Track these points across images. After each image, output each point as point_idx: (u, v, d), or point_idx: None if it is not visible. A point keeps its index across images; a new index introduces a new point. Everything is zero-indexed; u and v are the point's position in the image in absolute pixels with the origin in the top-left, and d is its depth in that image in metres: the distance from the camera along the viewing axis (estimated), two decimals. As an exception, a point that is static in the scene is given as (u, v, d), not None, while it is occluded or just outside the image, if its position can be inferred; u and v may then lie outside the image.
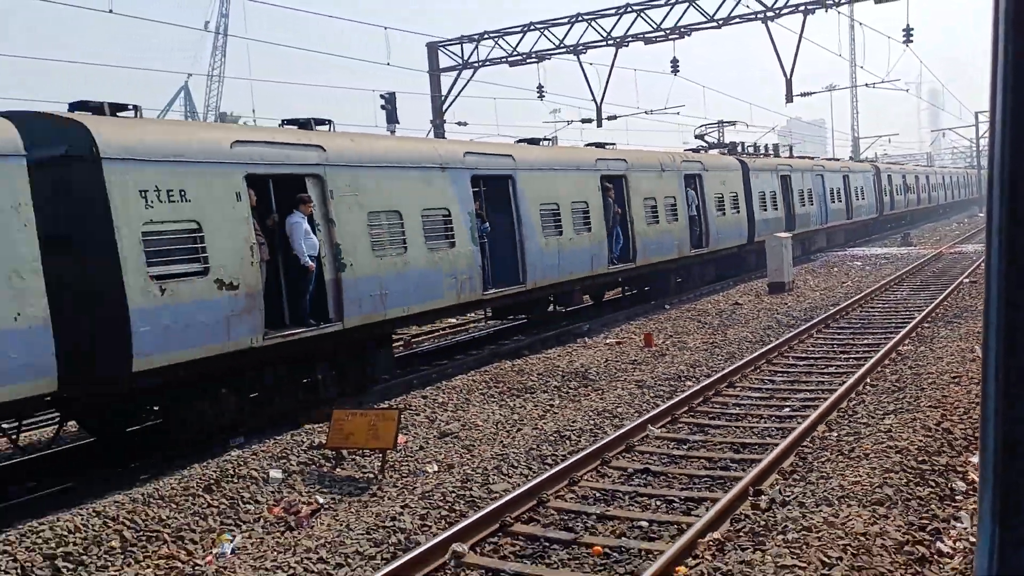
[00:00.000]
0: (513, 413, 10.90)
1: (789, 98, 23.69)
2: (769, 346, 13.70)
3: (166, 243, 9.11)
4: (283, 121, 12.01)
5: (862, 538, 5.78)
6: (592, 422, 10.00)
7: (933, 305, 17.14)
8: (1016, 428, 0.93)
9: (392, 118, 25.19)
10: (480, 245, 13.92)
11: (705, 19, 23.62)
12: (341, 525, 7.35)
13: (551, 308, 18.01)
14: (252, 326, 9.92)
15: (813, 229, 31.46)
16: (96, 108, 9.38)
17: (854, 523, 6.03)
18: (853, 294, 20.06)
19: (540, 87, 27.20)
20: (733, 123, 27.15)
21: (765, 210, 26.02)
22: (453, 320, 19.26)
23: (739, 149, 26.87)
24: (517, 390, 12.03)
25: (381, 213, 11.94)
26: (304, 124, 11.80)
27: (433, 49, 27.74)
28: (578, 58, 25.54)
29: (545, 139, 18.39)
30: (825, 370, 12.34)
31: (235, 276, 9.71)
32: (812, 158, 37.61)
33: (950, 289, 19.69)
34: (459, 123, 28.97)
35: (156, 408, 10.38)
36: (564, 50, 25.65)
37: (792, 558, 5.57)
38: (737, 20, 23.30)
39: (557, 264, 15.90)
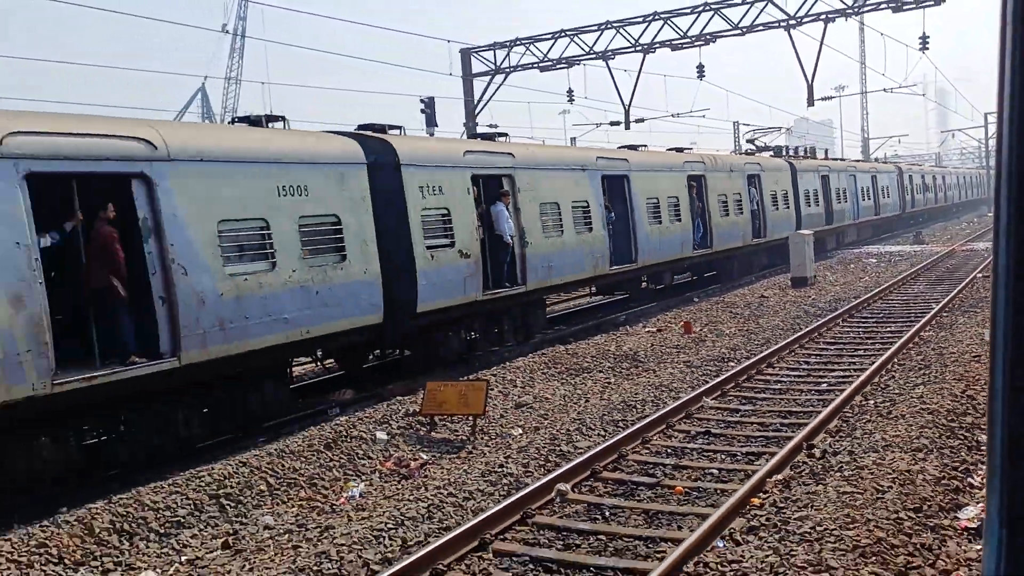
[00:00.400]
0: (576, 389, 12.13)
1: (811, 102, 24.89)
2: (800, 333, 14.89)
3: (432, 223, 12.99)
4: (478, 135, 17.15)
5: (907, 474, 7.00)
6: (651, 395, 11.22)
7: (950, 296, 18.31)
8: (1022, 432, 0.92)
9: (431, 121, 26.52)
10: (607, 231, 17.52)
11: (730, 27, 24.83)
12: (453, 475, 8.59)
13: (643, 286, 21.26)
14: (476, 285, 13.73)
15: (847, 224, 34.65)
16: (379, 128, 13.31)
17: (898, 463, 7.25)
18: (872, 288, 21.23)
19: (570, 91, 28.46)
20: (779, 128, 30.35)
21: (809, 206, 29.70)
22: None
23: (785, 152, 30.01)
24: (575, 370, 13.26)
25: (547, 204, 15.76)
26: (489, 137, 16.10)
27: (467, 55, 29.01)
28: (607, 63, 26.78)
29: (644, 146, 21.84)
30: (855, 353, 13.53)
31: (468, 248, 13.44)
32: (843, 160, 40.89)
33: (965, 283, 20.83)
34: (490, 126, 30.25)
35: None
36: (593, 56, 26.90)
37: (850, 488, 6.79)
38: (760, 28, 24.51)
39: (658, 248, 19.38)
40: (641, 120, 28.33)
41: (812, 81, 24.31)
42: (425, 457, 9.43)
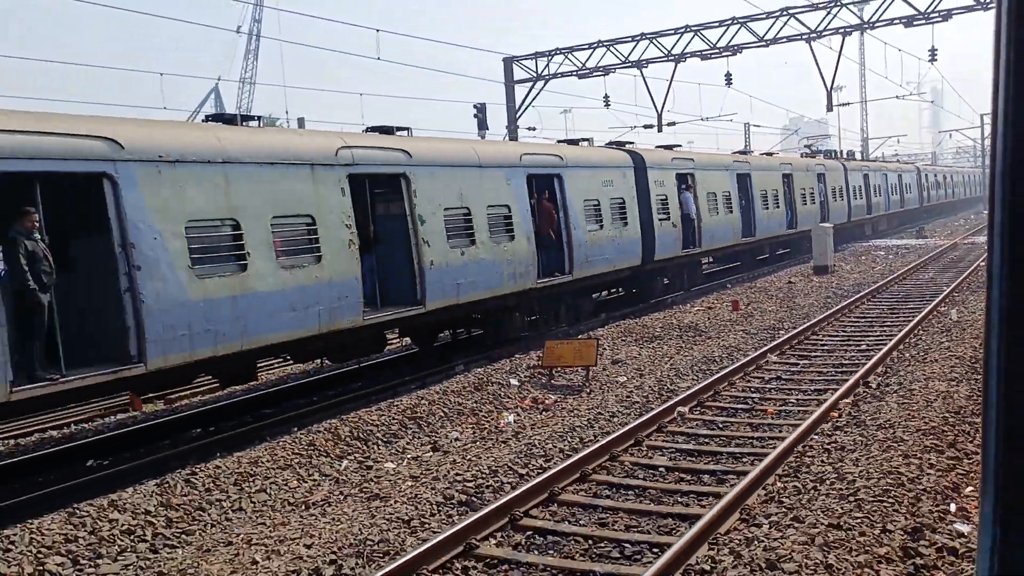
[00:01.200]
0: (656, 351, 14.57)
1: (829, 107, 27.38)
2: (833, 309, 17.34)
3: (660, 204, 19.58)
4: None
5: (946, 392, 9.46)
6: (723, 354, 13.67)
7: (959, 280, 20.80)
8: (1017, 432, 0.93)
9: (483, 125, 28.96)
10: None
11: (755, 39, 27.29)
12: (582, 408, 11.00)
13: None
14: (678, 245, 19.34)
15: (881, 214, 42.54)
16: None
17: (938, 387, 9.72)
18: (888, 275, 23.70)
19: (606, 96, 30.91)
20: (827, 136, 35.96)
21: (855, 199, 36.65)
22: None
23: (834, 155, 38.24)
24: (648, 338, 15.68)
25: (711, 193, 21.12)
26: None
27: (509, 63, 31.43)
28: (641, 72, 29.23)
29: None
30: (883, 324, 15.99)
31: (676, 221, 18.66)
32: (875, 160, 47.95)
33: (971, 269, 23.33)
34: (529, 128, 32.66)
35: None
36: (628, 64, 29.33)
37: (905, 402, 9.25)
38: (784, 40, 26.98)
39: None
40: (673, 124, 30.87)
41: (831, 88, 26.79)
42: (553, 397, 11.85)
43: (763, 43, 27.30)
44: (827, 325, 16.06)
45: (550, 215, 16.38)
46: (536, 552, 6.40)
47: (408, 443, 9.87)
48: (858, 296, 19.15)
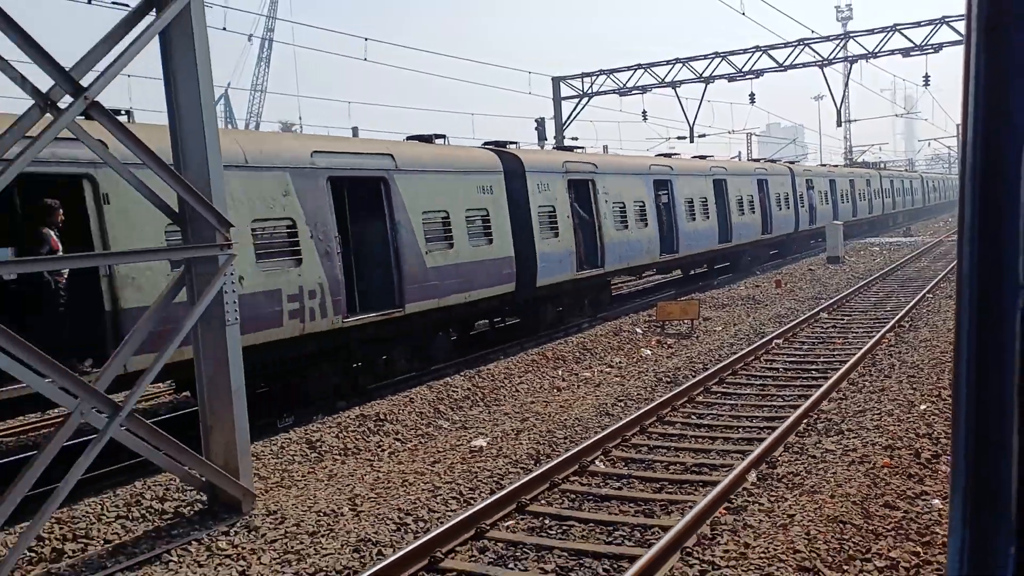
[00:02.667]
0: (729, 315, 19.06)
1: (839, 123, 32.11)
2: (856, 286, 21.96)
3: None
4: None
5: (941, 354, 14.02)
6: (784, 313, 18.22)
7: (950, 268, 25.52)
8: (987, 432, 0.94)
9: (542, 136, 33.50)
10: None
11: (775, 65, 31.98)
12: (694, 347, 15.45)
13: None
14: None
15: (899, 211, 55.97)
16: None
17: (940, 346, 14.30)
18: (889, 264, 28.39)
19: (644, 112, 35.49)
20: (864, 148, 43.13)
21: (885, 198, 49.59)
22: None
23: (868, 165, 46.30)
24: (717, 305, 20.19)
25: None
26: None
27: (557, 82, 35.94)
28: (675, 91, 33.84)
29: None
30: (899, 296, 20.61)
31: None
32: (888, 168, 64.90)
33: (959, 260, 28.09)
34: (572, 137, 37.18)
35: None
36: (664, 84, 33.93)
37: (932, 330, 13.85)
38: (800, 66, 31.69)
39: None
40: (704, 135, 35.52)
41: (840, 107, 31.52)
42: (670, 342, 16.32)
43: (781, 68, 32.01)
44: (855, 296, 20.69)
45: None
46: (703, 410, 10.91)
47: (590, 363, 14.31)
48: (872, 278, 23.81)
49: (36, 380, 6.16)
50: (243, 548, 6.82)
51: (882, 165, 58.43)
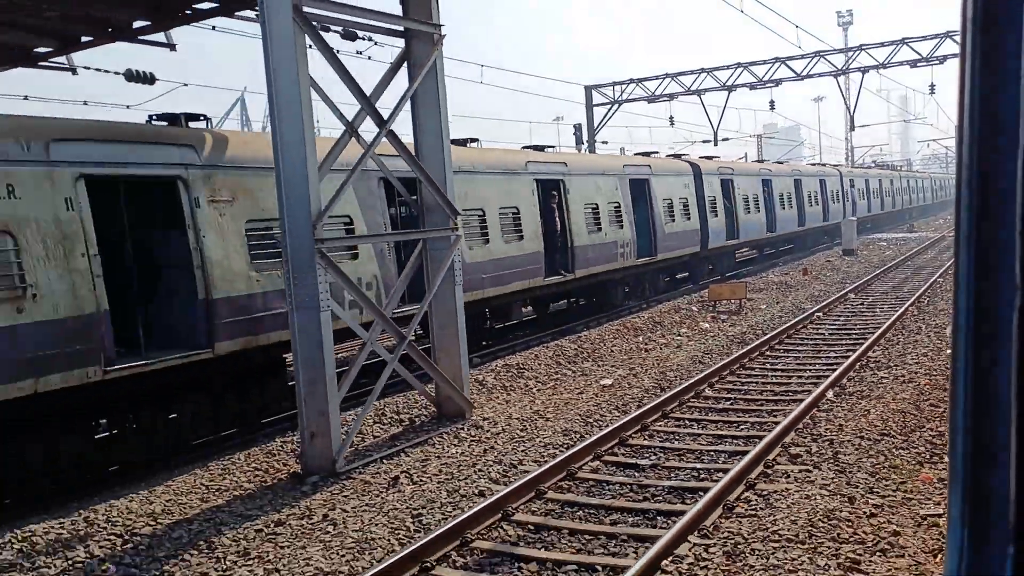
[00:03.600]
0: (768, 297, 21.99)
1: (852, 127, 35.08)
2: (874, 274, 24.91)
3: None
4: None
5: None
6: (818, 294, 21.17)
7: (957, 257, 28.52)
8: (985, 434, 0.94)
9: (579, 141, 36.49)
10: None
11: (793, 74, 34.94)
12: (748, 320, 18.39)
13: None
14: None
15: (915, 206, 65.35)
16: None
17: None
18: (899, 256, 31.36)
19: (671, 117, 38.49)
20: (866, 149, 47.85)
21: (905, 195, 59.16)
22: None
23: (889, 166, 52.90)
24: (754, 290, 23.14)
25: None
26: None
27: (589, 90, 38.92)
28: (700, 98, 36.81)
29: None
30: (913, 280, 23.57)
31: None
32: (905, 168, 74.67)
33: (963, 251, 31.10)
34: (603, 141, 40.15)
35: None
36: (690, 92, 36.89)
37: (937, 320, 16.81)
38: (817, 75, 34.65)
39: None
40: (727, 139, 38.43)
41: (853, 113, 34.49)
42: (723, 317, 19.26)
43: (799, 78, 34.97)
44: (875, 281, 23.66)
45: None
46: (774, 360, 13.87)
47: (663, 333, 17.22)
48: (887, 267, 26.79)
49: (345, 314, 9.10)
50: (479, 437, 9.74)
51: (900, 167, 68.46)
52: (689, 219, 24.52)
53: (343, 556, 6.50)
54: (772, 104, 36.51)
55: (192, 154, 10.20)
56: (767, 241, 32.70)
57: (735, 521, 6.64)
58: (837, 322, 16.95)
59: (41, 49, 13.24)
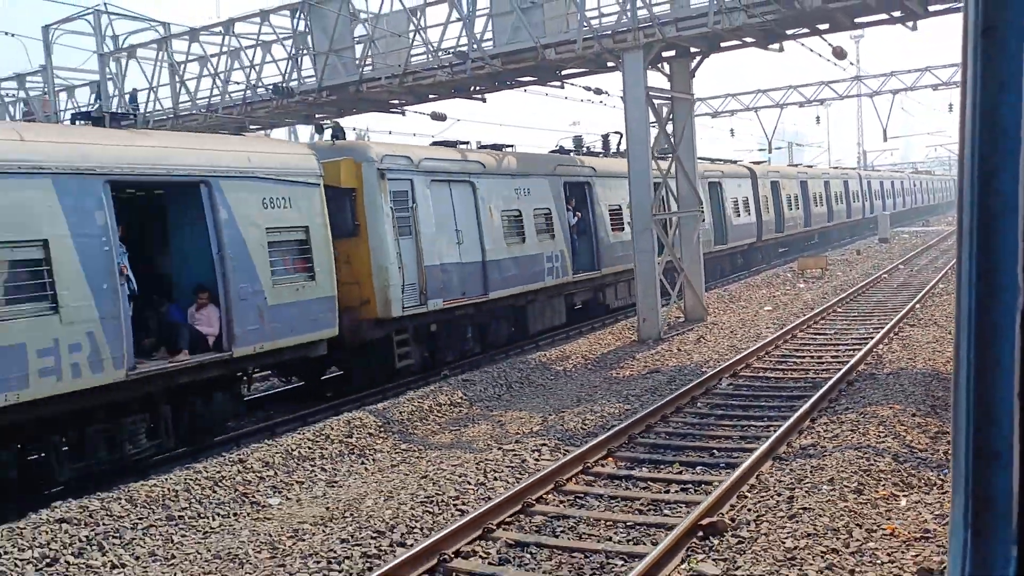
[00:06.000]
0: (838, 268, 29.34)
1: (884, 139, 42.52)
2: (912, 254, 32.33)
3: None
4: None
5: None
6: (875, 267, 28.60)
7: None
8: (987, 435, 0.94)
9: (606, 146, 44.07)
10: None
11: (835, 95, 42.36)
12: (830, 284, 25.78)
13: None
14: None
15: (934, 204, 75.41)
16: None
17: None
18: (926, 244, 38.70)
19: (732, 130, 45.96)
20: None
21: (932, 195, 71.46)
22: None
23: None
24: (780, 283, 30.52)
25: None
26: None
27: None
28: (757, 114, 44.26)
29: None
30: (944, 258, 30.97)
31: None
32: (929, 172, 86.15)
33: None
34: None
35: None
36: (747, 109, 44.31)
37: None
38: (854, 96, 42.06)
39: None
40: (780, 147, 45.77)
41: (885, 127, 41.97)
42: (802, 285, 26.62)
43: (840, 97, 42.44)
44: (915, 258, 31.11)
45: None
46: (863, 303, 21.36)
47: (778, 289, 24.56)
48: (919, 250, 34.23)
49: (652, 256, 16.68)
50: (712, 330, 17.14)
51: (930, 170, 79.38)
52: (749, 214, 31.83)
53: (697, 358, 13.93)
54: (818, 119, 43.92)
55: (592, 171, 19.74)
56: (804, 235, 39.17)
57: (889, 348, 14.07)
58: (898, 282, 24.37)
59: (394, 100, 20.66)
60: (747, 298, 22.40)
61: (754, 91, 44.30)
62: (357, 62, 18.67)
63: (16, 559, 6.59)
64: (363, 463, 9.64)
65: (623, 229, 19.90)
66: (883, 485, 7.43)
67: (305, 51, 19.54)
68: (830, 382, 11.25)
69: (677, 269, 17.91)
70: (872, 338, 14.63)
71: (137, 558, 6.89)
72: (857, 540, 6.21)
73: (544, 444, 9.38)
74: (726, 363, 12.95)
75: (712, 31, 15.17)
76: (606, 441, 9.10)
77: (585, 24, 15.95)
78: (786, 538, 6.25)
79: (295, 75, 19.86)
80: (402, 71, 17.91)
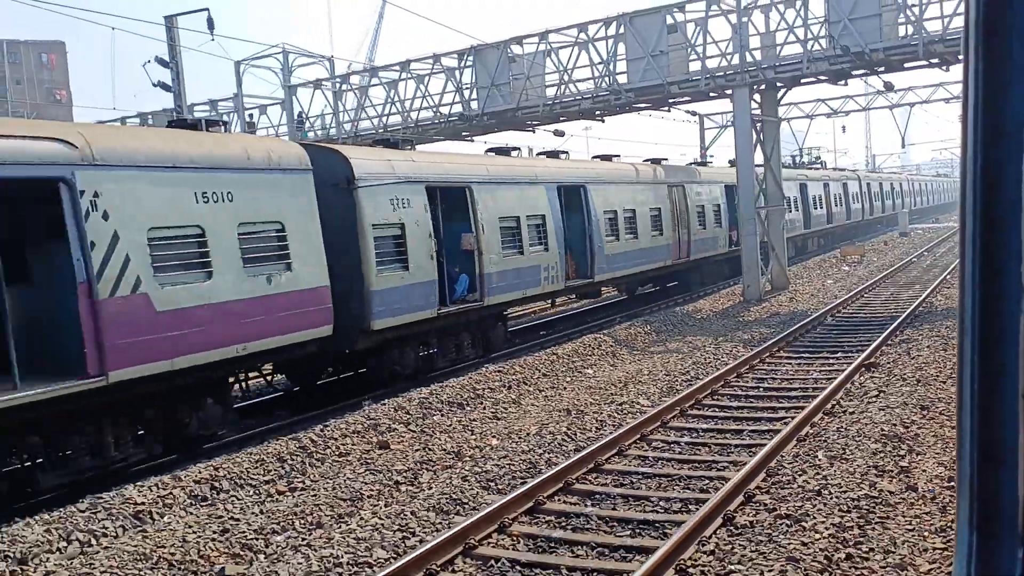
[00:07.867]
0: (873, 254, 34.96)
1: (903, 145, 48.15)
2: (930, 245, 37.96)
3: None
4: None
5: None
6: (903, 254, 34.24)
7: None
8: (992, 437, 0.94)
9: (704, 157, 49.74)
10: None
11: (859, 107, 48.05)
12: (874, 264, 31.40)
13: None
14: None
15: (946, 203, 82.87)
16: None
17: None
18: (939, 238, 44.29)
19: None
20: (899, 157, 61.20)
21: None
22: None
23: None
24: (828, 266, 36.14)
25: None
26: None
27: (701, 118, 52.06)
28: (789, 125, 49.95)
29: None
30: (955, 251, 36.54)
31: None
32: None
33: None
34: (710, 156, 53.25)
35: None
36: (783, 119, 49.96)
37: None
38: (876, 108, 47.73)
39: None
40: (810, 152, 51.69)
41: (904, 134, 47.63)
42: (854, 264, 32.24)
43: (863, 109, 48.17)
44: (934, 248, 36.77)
45: None
46: (898, 283, 27.05)
47: (826, 269, 30.16)
48: (937, 241, 39.89)
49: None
50: (796, 295, 22.76)
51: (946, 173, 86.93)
52: (820, 209, 37.66)
53: (799, 308, 19.56)
54: (844, 128, 49.62)
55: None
56: (825, 231, 44.14)
57: (935, 299, 19.71)
58: (927, 263, 30.02)
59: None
60: (807, 276, 28.02)
61: (785, 104, 50.14)
62: (514, 94, 24.41)
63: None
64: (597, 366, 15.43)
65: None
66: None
67: (467, 85, 25.29)
68: (904, 314, 16.98)
69: (770, 248, 23.59)
70: (920, 297, 20.28)
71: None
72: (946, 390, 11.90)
73: (729, 350, 15.08)
74: (825, 308, 18.71)
75: (801, 73, 20.88)
76: (776, 343, 14.83)
77: (704, 69, 21.68)
78: (907, 370, 11.97)
79: (458, 101, 25.61)
80: (552, 101, 23.65)
